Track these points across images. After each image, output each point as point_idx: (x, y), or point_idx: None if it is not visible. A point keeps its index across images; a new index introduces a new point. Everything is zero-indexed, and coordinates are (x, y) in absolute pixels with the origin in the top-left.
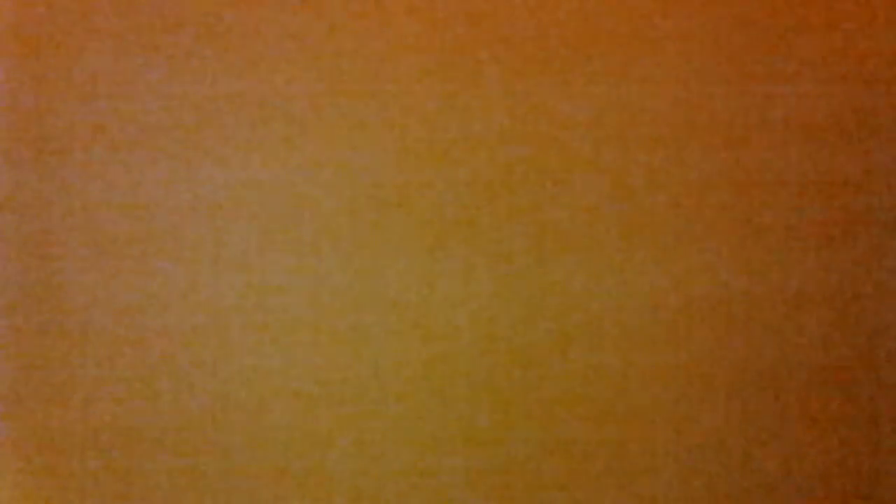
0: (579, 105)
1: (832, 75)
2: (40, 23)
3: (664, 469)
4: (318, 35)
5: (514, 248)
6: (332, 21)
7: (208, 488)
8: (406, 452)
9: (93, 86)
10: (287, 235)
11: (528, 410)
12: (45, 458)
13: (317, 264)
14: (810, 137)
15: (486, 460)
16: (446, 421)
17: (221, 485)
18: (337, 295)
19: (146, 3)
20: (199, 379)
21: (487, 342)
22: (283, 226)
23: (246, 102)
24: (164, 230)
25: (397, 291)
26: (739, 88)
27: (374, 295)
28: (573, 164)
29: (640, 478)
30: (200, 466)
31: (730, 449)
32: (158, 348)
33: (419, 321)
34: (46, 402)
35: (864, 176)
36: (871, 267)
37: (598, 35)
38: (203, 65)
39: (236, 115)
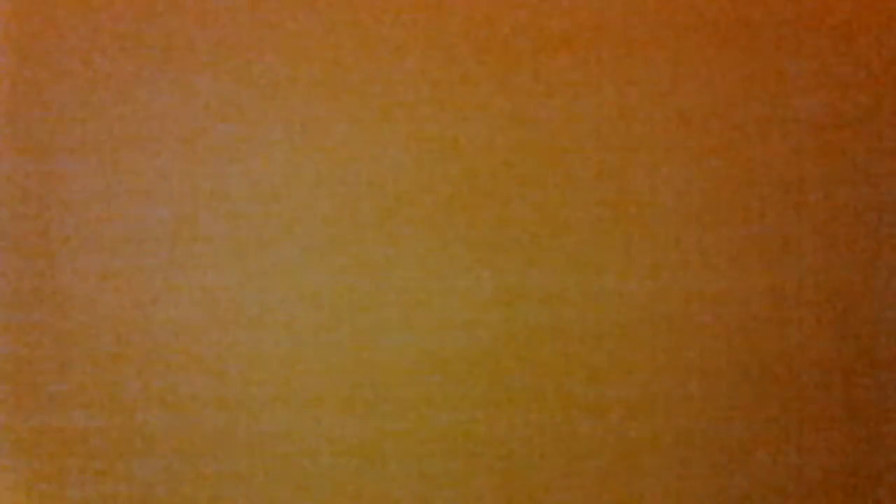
0: (579, 105)
1: (833, 75)
2: (40, 23)
3: (663, 468)
4: (319, 35)
5: (514, 247)
6: (333, 21)
7: (208, 488)
8: (406, 452)
9: (93, 86)
10: (287, 236)
11: (528, 410)
12: (45, 458)
13: (317, 264)
14: (810, 137)
15: (486, 459)
16: (447, 420)
17: (221, 485)
18: (337, 294)
19: (147, 3)
20: (200, 379)
21: (488, 342)
22: (283, 226)
23: (247, 103)
24: (164, 230)
25: (397, 291)
26: (739, 88)
27: (374, 294)
28: (573, 164)
29: (640, 477)
30: (200, 466)
31: (729, 448)
32: (158, 348)
33: (419, 320)
34: (46, 402)
35: (864, 176)
36: (871, 267)
37: (598, 35)
38: (204, 65)
39: (237, 116)
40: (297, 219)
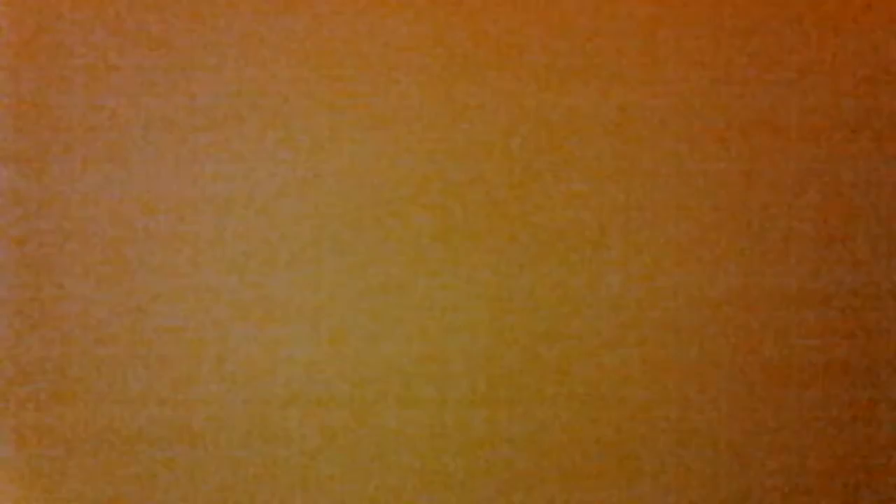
0: (580, 105)
1: (832, 75)
2: (41, 23)
3: (663, 468)
4: (319, 35)
5: (514, 248)
6: (333, 21)
7: (208, 488)
8: (406, 452)
9: (93, 86)
10: (287, 236)
11: (528, 410)
12: (45, 458)
13: (317, 264)
14: (810, 137)
15: (486, 460)
16: (447, 420)
17: (222, 484)
18: (337, 295)
19: (146, 2)
20: (199, 378)
21: (488, 342)
22: (282, 226)
23: (246, 102)
24: (164, 230)
25: (397, 291)
26: (739, 89)
27: (374, 294)
28: (574, 164)
29: (639, 476)
30: (200, 466)
31: (729, 448)
32: (158, 348)
33: (419, 320)
34: (46, 402)
35: (864, 176)
36: (871, 267)
37: (598, 35)
38: (203, 65)
39: (236, 115)
40: (298, 219)
